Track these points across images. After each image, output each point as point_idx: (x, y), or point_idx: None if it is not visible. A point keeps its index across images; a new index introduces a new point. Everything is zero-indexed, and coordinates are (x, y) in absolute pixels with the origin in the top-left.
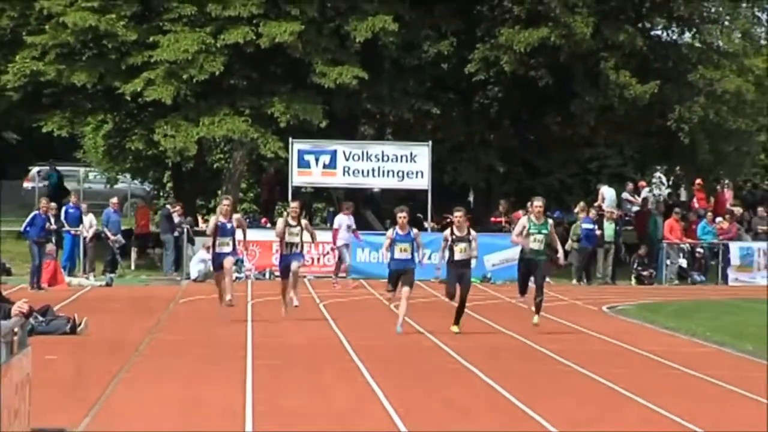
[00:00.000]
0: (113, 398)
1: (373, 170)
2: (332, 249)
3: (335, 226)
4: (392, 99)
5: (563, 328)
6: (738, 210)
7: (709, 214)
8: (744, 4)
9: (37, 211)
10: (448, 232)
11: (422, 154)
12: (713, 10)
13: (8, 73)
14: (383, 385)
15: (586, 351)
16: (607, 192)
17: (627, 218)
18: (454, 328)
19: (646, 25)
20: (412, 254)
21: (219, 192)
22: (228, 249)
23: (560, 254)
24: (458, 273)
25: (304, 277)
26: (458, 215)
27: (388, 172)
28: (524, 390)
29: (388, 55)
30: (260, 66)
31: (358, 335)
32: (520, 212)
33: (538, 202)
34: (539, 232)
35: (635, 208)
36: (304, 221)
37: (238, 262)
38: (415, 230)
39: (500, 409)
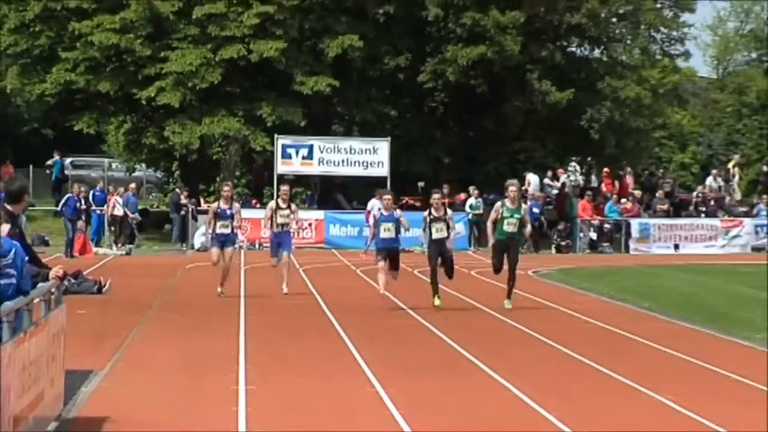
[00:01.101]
0: (132, 345)
1: (342, 161)
2: (366, 226)
3: (368, 208)
4: (358, 103)
5: (497, 289)
6: (638, 193)
7: (615, 196)
8: (642, 27)
9: (70, 194)
10: (426, 212)
11: (383, 148)
12: (618, 31)
13: (47, 82)
14: (352, 336)
15: (516, 308)
16: (532, 178)
17: (548, 199)
18: (437, 302)
19: (564, 43)
20: (396, 234)
21: (217, 179)
22: (227, 231)
23: (528, 229)
24: (437, 251)
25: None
26: (436, 197)
27: (355, 162)
28: (466, 338)
29: (356, 67)
30: (251, 76)
31: (332, 296)
32: (462, 195)
33: (513, 187)
34: (512, 216)
35: (555, 191)
36: (293, 205)
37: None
38: (398, 211)
39: (447, 354)
